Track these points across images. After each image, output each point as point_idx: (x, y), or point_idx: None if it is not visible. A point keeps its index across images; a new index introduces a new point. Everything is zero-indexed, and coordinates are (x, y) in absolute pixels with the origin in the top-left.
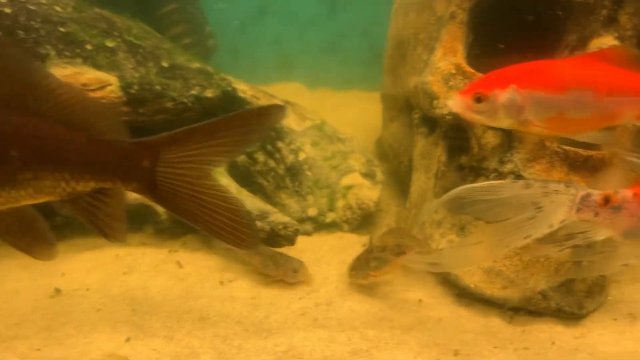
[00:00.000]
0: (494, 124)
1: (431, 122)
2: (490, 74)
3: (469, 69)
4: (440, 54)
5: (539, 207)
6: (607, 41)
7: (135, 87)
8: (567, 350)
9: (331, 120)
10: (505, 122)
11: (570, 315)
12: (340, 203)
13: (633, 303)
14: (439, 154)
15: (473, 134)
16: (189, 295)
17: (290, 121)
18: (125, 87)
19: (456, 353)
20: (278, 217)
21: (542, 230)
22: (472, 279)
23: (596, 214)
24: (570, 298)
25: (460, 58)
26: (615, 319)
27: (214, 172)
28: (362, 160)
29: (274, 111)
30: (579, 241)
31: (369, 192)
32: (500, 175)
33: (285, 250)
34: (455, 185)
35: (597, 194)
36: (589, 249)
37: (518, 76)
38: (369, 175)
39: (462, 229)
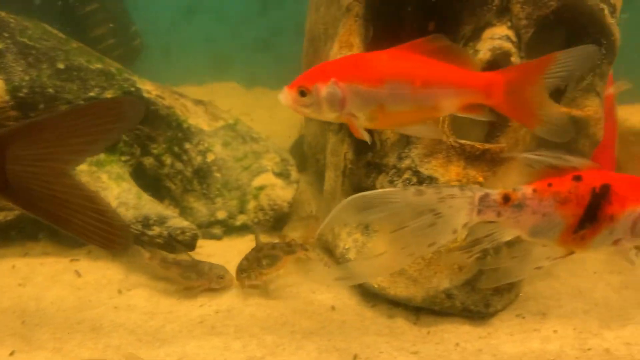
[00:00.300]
0: (322, 118)
1: None
2: (314, 68)
3: None
4: (336, 48)
5: (438, 214)
6: (499, 31)
7: (25, 90)
8: (470, 351)
9: (264, 119)
10: (331, 116)
11: (477, 315)
12: (251, 205)
13: (544, 300)
14: (345, 151)
15: (374, 130)
16: (84, 305)
17: (200, 121)
18: (13, 90)
19: (355, 357)
20: (176, 222)
21: (447, 237)
22: (376, 279)
23: (498, 214)
24: (475, 296)
25: (355, 52)
26: (524, 317)
27: (72, 170)
28: (276, 160)
29: (126, 105)
30: (486, 245)
31: (282, 193)
32: (399, 172)
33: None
34: (362, 183)
35: (495, 194)
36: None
37: (338, 69)
38: (283, 175)
39: (366, 228)
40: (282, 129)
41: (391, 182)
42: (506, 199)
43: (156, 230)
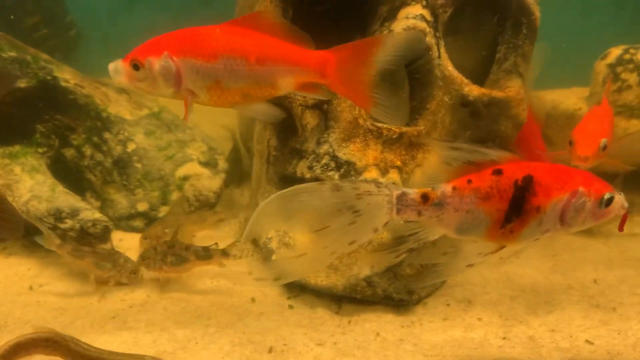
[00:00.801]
0: (158, 94)
1: None
2: (148, 41)
3: None
4: None
5: (357, 212)
6: (414, 10)
7: None
8: (391, 341)
9: (203, 107)
10: (167, 92)
11: (400, 302)
12: (175, 195)
13: (470, 286)
14: (269, 137)
15: (294, 114)
16: None
17: (121, 110)
18: None
19: (270, 350)
20: (88, 214)
21: (368, 235)
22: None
23: (419, 213)
24: (397, 284)
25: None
26: (448, 304)
27: None
28: (203, 149)
29: None
30: (412, 244)
31: (208, 182)
32: (317, 157)
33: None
34: (285, 170)
35: (413, 193)
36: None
37: (172, 43)
38: (209, 164)
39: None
40: (221, 119)
41: (310, 168)
42: (425, 198)
43: (68, 223)
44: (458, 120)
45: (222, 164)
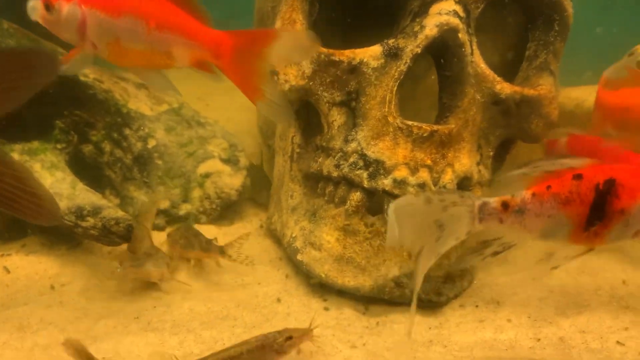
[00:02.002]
0: (65, 39)
1: None
2: None
3: None
4: (278, 25)
5: (441, 226)
6: (447, 6)
7: None
8: (420, 342)
9: (221, 104)
10: (72, 38)
11: (428, 304)
12: (196, 193)
13: (498, 287)
14: (293, 134)
15: (321, 111)
16: (11, 302)
17: (141, 105)
18: None
19: (299, 351)
20: (111, 212)
21: (451, 244)
22: (323, 269)
23: (501, 221)
24: (426, 285)
25: (300, 29)
26: (477, 306)
27: None
28: (224, 146)
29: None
30: (497, 248)
31: (229, 180)
32: (345, 155)
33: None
34: (310, 168)
35: (493, 201)
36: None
37: None
38: (230, 161)
39: (314, 215)
40: (239, 115)
41: (337, 167)
42: (505, 205)
43: (90, 221)
44: (489, 118)
45: (244, 161)
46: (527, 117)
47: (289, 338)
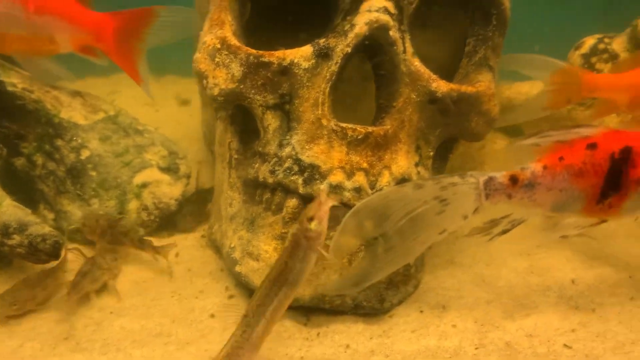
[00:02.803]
0: None
1: None
2: None
3: (235, 43)
4: (207, 26)
5: (444, 200)
6: (377, 3)
7: None
8: (362, 353)
9: (176, 110)
10: None
11: (371, 311)
12: (133, 204)
13: (444, 290)
14: (230, 140)
15: (255, 115)
16: None
17: (75, 114)
18: None
19: None
20: (38, 229)
21: (457, 223)
22: (261, 278)
23: (510, 196)
24: (368, 292)
25: (227, 30)
26: (421, 311)
27: None
28: (163, 153)
29: None
30: (506, 226)
31: (169, 189)
32: (280, 160)
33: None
34: (248, 175)
35: (500, 176)
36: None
37: None
38: (170, 169)
39: (252, 223)
40: (192, 120)
41: (272, 172)
42: (514, 180)
43: (16, 239)
44: (426, 117)
45: (184, 169)
46: (466, 115)
47: (311, 219)
